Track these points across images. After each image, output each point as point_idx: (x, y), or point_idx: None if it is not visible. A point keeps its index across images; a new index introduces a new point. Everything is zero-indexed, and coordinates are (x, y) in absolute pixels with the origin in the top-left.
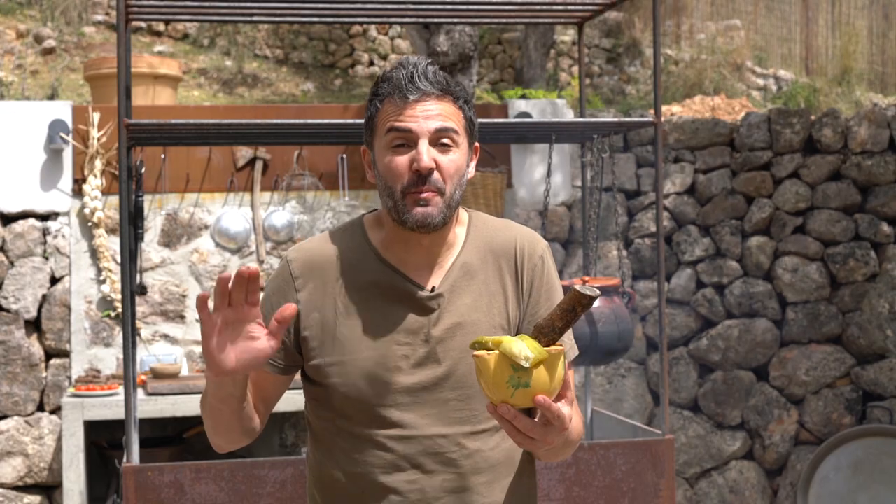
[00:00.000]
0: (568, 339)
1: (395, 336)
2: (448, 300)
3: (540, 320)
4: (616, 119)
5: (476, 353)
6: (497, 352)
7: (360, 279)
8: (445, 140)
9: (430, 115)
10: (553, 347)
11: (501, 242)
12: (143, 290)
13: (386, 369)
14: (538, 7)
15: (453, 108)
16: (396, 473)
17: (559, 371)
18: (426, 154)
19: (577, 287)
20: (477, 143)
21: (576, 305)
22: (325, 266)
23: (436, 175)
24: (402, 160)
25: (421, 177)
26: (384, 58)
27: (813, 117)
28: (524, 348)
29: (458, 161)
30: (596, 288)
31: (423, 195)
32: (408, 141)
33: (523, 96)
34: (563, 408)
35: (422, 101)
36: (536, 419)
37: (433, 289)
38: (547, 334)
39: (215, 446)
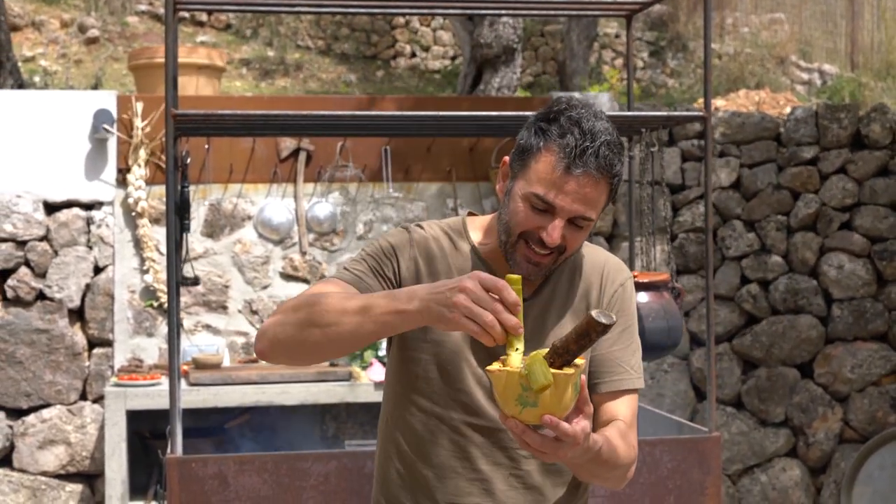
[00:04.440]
0: (635, 370)
1: None
2: (533, 309)
3: (557, 341)
4: (666, 113)
5: (489, 368)
6: (508, 369)
7: (461, 271)
8: (581, 223)
9: (580, 198)
10: (563, 371)
11: (591, 266)
12: (195, 280)
13: (471, 356)
14: None
15: (605, 189)
16: (465, 459)
17: (569, 392)
18: (557, 232)
19: (593, 314)
20: None
21: (590, 331)
22: (433, 248)
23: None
24: (534, 219)
25: (544, 244)
26: (426, 49)
27: (861, 112)
28: (534, 373)
29: (584, 235)
30: (612, 315)
31: (539, 259)
32: (548, 209)
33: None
34: (580, 423)
35: (582, 177)
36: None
37: (525, 298)
38: (561, 356)
39: (292, 355)
